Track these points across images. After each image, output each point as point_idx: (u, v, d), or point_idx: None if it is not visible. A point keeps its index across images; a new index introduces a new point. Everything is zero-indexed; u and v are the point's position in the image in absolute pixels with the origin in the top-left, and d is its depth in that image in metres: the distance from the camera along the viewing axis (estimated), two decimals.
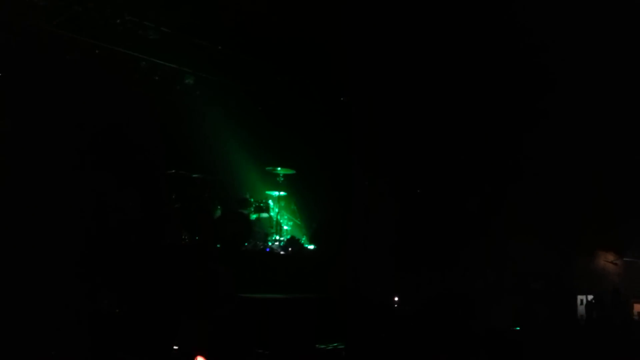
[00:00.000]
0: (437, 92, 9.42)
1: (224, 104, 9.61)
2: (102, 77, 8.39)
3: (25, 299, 5.47)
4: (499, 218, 9.49)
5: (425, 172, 9.97)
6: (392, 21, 8.43)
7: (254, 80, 9.69)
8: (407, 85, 9.44)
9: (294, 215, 10.00)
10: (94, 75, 8.31)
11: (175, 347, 5.65)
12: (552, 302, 8.65)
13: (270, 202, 9.59)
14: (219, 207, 8.89)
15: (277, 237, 9.12)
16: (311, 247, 9.43)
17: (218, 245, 8.26)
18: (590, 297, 7.75)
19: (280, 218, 9.45)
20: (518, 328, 7.91)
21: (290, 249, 8.94)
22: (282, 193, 9.50)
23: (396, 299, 10.38)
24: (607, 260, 10.00)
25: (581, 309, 8.22)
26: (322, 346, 6.23)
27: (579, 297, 8.55)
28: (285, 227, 9.61)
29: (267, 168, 9.42)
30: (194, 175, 9.09)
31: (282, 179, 9.38)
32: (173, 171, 8.91)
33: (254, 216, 9.12)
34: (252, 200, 9.31)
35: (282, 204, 9.64)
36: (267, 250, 8.78)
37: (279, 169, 9.29)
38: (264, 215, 9.29)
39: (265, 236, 9.09)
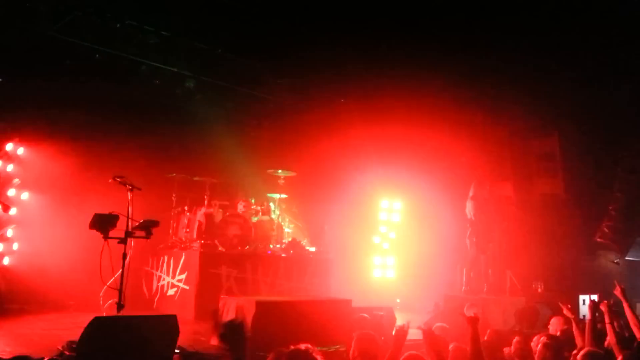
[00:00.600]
0: (438, 91, 9.41)
1: (224, 107, 9.63)
2: (102, 81, 8.43)
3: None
4: (501, 220, 9.49)
5: (429, 174, 9.96)
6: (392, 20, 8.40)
7: (254, 83, 9.70)
8: (408, 85, 9.43)
9: (295, 218, 10.00)
10: (94, 79, 8.35)
11: (177, 351, 5.65)
12: (553, 302, 8.61)
13: (272, 204, 9.59)
14: (220, 210, 8.90)
15: (279, 240, 9.13)
16: (312, 249, 9.43)
17: (220, 248, 8.28)
18: (594, 296, 7.71)
19: (282, 220, 9.45)
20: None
21: (291, 251, 8.94)
22: (283, 195, 9.49)
23: (398, 300, 10.40)
24: (609, 260, 9.98)
25: (583, 308, 8.18)
26: (324, 348, 6.22)
27: (581, 297, 8.51)
28: (286, 230, 9.60)
29: (268, 170, 9.42)
30: (195, 178, 9.11)
31: (283, 181, 9.38)
32: (174, 174, 8.95)
33: (255, 219, 9.13)
34: (253, 202, 9.31)
35: (284, 206, 9.64)
36: (269, 252, 8.78)
37: (280, 171, 9.29)
38: (265, 217, 9.29)
39: (267, 239, 9.09)
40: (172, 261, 8.30)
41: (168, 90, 9.19)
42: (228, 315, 6.02)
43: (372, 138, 10.02)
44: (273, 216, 9.38)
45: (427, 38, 8.18)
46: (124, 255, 5.30)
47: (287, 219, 9.70)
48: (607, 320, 4.76)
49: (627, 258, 9.92)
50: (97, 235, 5.30)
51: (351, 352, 4.09)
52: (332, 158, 9.94)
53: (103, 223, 5.26)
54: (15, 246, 7.74)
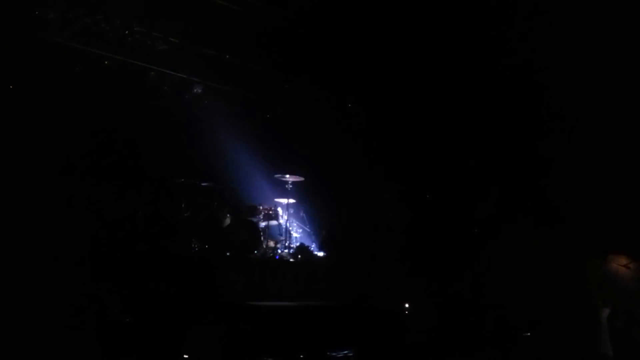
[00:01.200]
0: (445, 96, 9.40)
1: (233, 113, 9.66)
2: (112, 88, 8.49)
3: (37, 309, 5.52)
4: (511, 223, 9.43)
5: (434, 177, 9.94)
6: (401, 25, 8.44)
7: (262, 88, 9.73)
8: (415, 90, 9.44)
9: (303, 223, 10.01)
10: (104, 86, 8.41)
11: (185, 356, 5.67)
12: (564, 307, 8.56)
13: (279, 209, 9.60)
14: (228, 215, 8.92)
15: (287, 245, 9.13)
16: (321, 254, 9.42)
17: (227, 254, 8.29)
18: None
19: (290, 225, 9.46)
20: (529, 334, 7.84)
21: (299, 256, 8.94)
22: (291, 200, 9.50)
23: (406, 305, 10.35)
24: (619, 264, 9.87)
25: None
26: (333, 354, 6.21)
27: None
28: (294, 235, 9.61)
29: (276, 175, 9.44)
30: (203, 184, 9.14)
31: (291, 186, 9.40)
32: (182, 180, 8.98)
33: (263, 224, 9.14)
34: (261, 208, 9.33)
35: (291, 211, 9.65)
36: (277, 257, 8.79)
37: (287, 176, 9.30)
38: (273, 222, 9.30)
39: (275, 244, 9.11)
40: None
41: (176, 96, 9.24)
42: None
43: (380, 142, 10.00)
44: (281, 221, 9.39)
45: None
46: None
47: (295, 224, 9.71)
48: None
49: None
50: None
51: None
52: (340, 163, 9.93)
53: None
54: None
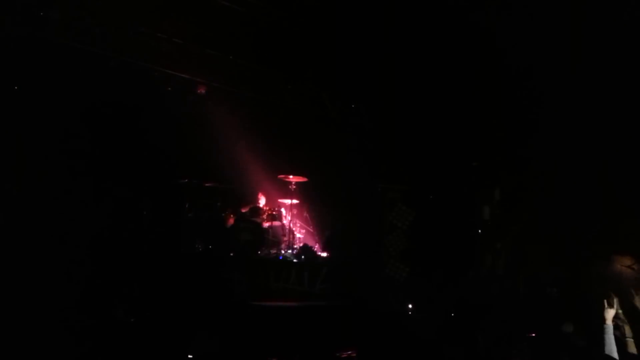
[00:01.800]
0: (448, 96, 9.41)
1: (236, 114, 9.68)
2: (116, 88, 8.51)
3: (42, 308, 5.54)
4: (514, 223, 9.43)
5: (438, 178, 9.94)
6: (405, 25, 8.45)
7: (265, 89, 9.74)
8: (418, 90, 9.44)
9: (306, 223, 10.02)
10: (108, 87, 8.43)
11: (189, 356, 5.68)
12: (567, 308, 8.55)
13: (283, 210, 9.62)
14: (231, 215, 8.94)
15: (290, 245, 9.15)
16: (324, 254, 9.43)
17: (231, 254, 8.31)
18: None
19: (293, 226, 9.48)
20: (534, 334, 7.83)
21: (303, 256, 8.95)
22: (294, 201, 9.52)
23: (410, 306, 10.36)
24: (623, 265, 9.85)
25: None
26: (336, 354, 6.22)
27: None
28: (298, 235, 9.62)
29: (280, 176, 9.46)
30: (207, 184, 9.16)
31: (294, 187, 9.42)
32: (186, 180, 9.00)
33: (266, 224, 9.15)
34: (264, 208, 9.35)
35: (295, 211, 9.66)
36: (280, 258, 8.80)
37: (291, 176, 9.32)
38: (277, 223, 9.32)
39: (278, 244, 9.12)
40: None
41: (180, 96, 9.26)
42: None
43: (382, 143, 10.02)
44: (284, 221, 9.41)
45: None
46: None
47: (298, 224, 9.72)
48: None
49: None
50: None
51: None
52: (344, 163, 9.94)
53: None
54: None
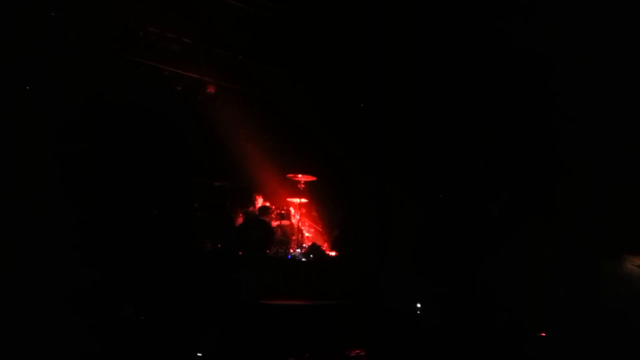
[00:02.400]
0: (456, 95, 9.38)
1: (245, 113, 9.71)
2: (125, 88, 8.56)
3: (52, 306, 5.59)
4: (523, 222, 9.38)
5: (446, 177, 9.91)
6: (413, 25, 8.45)
7: (274, 88, 9.76)
8: (427, 89, 9.43)
9: (315, 222, 10.03)
10: (117, 86, 8.48)
11: (198, 355, 5.72)
12: (577, 307, 8.51)
13: (292, 209, 9.63)
14: (240, 214, 8.97)
15: (299, 244, 9.17)
16: (333, 253, 9.44)
17: (240, 253, 8.34)
18: None
19: (302, 225, 9.49)
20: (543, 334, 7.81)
21: (312, 255, 8.97)
22: (303, 200, 9.53)
23: (418, 305, 10.35)
24: (634, 264, 9.78)
25: None
26: (345, 353, 6.23)
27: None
28: (306, 234, 9.64)
29: (288, 175, 9.48)
30: (216, 184, 9.20)
31: (303, 185, 9.43)
32: (195, 179, 9.04)
33: (275, 223, 9.17)
34: (273, 207, 9.37)
35: (304, 210, 9.68)
36: (289, 257, 8.82)
37: (299, 175, 9.34)
38: (286, 222, 9.34)
39: (287, 243, 9.14)
40: None
41: (189, 96, 9.30)
42: None
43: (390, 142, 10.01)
44: (293, 221, 9.42)
45: None
46: None
47: (307, 224, 9.74)
48: None
49: None
50: None
51: None
52: (352, 162, 9.94)
53: None
54: None
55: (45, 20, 7.58)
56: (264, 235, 8.66)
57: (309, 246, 9.20)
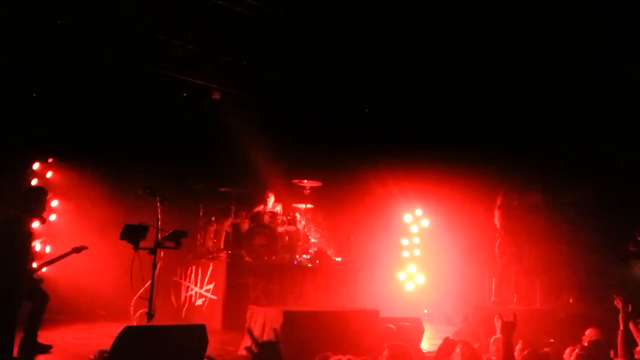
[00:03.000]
0: (461, 100, 9.38)
1: (251, 119, 9.73)
2: (132, 95, 8.61)
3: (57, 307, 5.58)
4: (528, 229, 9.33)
5: (452, 184, 9.90)
6: (418, 31, 8.46)
7: (279, 94, 9.78)
8: (431, 94, 9.44)
9: (321, 228, 10.01)
10: (124, 93, 8.54)
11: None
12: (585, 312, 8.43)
13: (297, 214, 9.62)
14: (246, 220, 8.96)
15: (305, 250, 9.15)
16: (339, 259, 9.42)
17: (246, 259, 8.33)
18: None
19: (308, 230, 9.47)
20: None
21: (317, 261, 8.94)
22: (309, 205, 9.52)
23: (425, 311, 10.30)
24: None
25: None
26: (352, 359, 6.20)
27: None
28: (312, 240, 9.61)
29: (294, 181, 9.47)
30: (221, 189, 9.21)
31: (308, 191, 9.42)
32: (201, 185, 9.06)
33: (281, 229, 9.16)
34: (279, 213, 9.35)
35: (310, 216, 9.66)
36: (295, 262, 8.80)
37: (305, 181, 9.33)
38: (292, 228, 9.32)
39: (293, 249, 9.11)
40: (200, 271, 8.38)
41: (195, 102, 9.33)
42: (256, 326, 6.03)
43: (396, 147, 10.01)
44: (299, 226, 9.41)
45: None
46: (154, 266, 5.37)
47: (312, 229, 9.72)
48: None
49: None
50: (127, 245, 5.37)
51: None
52: (358, 168, 9.94)
53: (133, 234, 5.34)
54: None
55: (51, 28, 7.64)
56: (270, 241, 8.64)
57: (315, 252, 9.17)
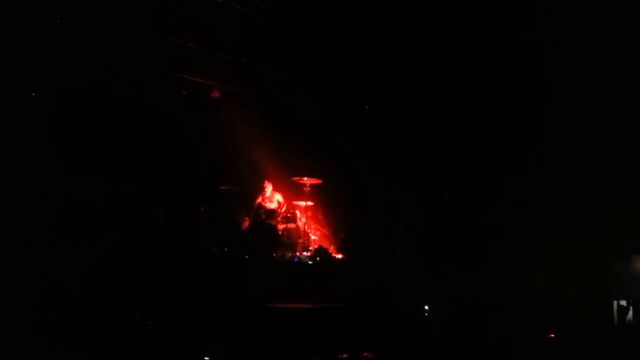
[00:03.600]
0: (463, 97, 9.37)
1: (250, 116, 9.73)
2: (131, 93, 8.61)
3: (59, 310, 5.61)
4: (532, 223, 9.35)
5: (451, 179, 9.89)
6: (417, 28, 8.46)
7: (279, 91, 9.78)
8: (433, 91, 9.43)
9: (321, 225, 10.03)
10: (123, 92, 8.53)
11: (206, 358, 5.72)
12: (587, 308, 8.46)
13: (298, 212, 9.64)
14: (246, 218, 8.98)
15: (305, 247, 9.16)
16: (339, 256, 9.43)
17: (247, 257, 8.35)
18: (623, 301, 7.58)
19: (308, 228, 9.49)
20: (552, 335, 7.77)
21: (318, 258, 8.96)
22: (309, 203, 9.53)
23: (426, 307, 10.31)
24: None
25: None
26: (351, 356, 6.22)
27: (615, 303, 8.35)
28: (313, 237, 9.64)
29: (294, 178, 9.48)
30: (222, 187, 9.22)
31: (309, 188, 9.43)
32: (201, 184, 9.07)
33: (281, 227, 9.18)
34: (279, 210, 9.38)
35: (310, 213, 9.68)
36: (295, 260, 8.82)
37: (305, 178, 9.34)
38: (292, 225, 9.34)
39: (294, 246, 9.14)
40: None
41: (194, 100, 9.33)
42: None
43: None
44: (299, 223, 9.43)
45: None
46: None
47: (313, 226, 9.74)
48: None
49: None
50: None
51: None
52: (357, 165, 9.94)
53: None
54: None
55: (50, 27, 7.64)
56: (270, 239, 8.66)
57: (315, 249, 9.20)
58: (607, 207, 8.82)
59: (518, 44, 8.34)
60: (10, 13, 7.11)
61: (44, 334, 5.34)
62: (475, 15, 8.01)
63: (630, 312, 8.18)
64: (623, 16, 7.56)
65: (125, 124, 8.59)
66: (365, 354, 6.18)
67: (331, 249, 9.58)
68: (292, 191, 9.92)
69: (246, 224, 8.94)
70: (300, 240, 9.26)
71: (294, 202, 9.85)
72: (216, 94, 9.48)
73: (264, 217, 9.14)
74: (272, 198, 9.58)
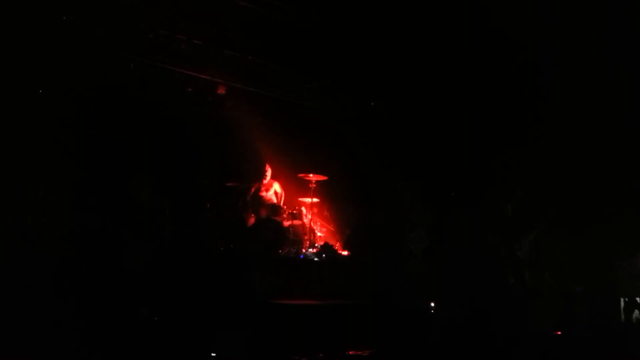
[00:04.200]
0: (470, 94, 9.33)
1: (256, 113, 9.72)
2: (137, 90, 8.61)
3: (66, 307, 5.63)
4: (538, 220, 9.31)
5: (459, 175, 9.86)
6: (424, 24, 8.42)
7: (284, 88, 9.76)
8: (439, 88, 9.39)
9: (327, 222, 10.02)
10: (129, 89, 8.53)
11: (213, 355, 5.73)
12: (594, 305, 8.43)
13: (303, 209, 9.63)
14: (252, 215, 8.99)
15: (311, 244, 9.16)
16: (345, 253, 9.43)
17: (253, 253, 8.35)
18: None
19: (314, 224, 9.49)
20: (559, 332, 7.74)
21: (324, 255, 8.95)
22: (314, 200, 9.53)
23: (432, 304, 10.29)
24: None
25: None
26: (357, 352, 6.22)
27: (622, 300, 8.31)
28: (318, 234, 9.63)
29: (300, 175, 9.47)
30: (227, 184, 9.22)
31: (314, 185, 9.42)
32: (207, 181, 9.07)
33: (287, 223, 9.18)
34: (285, 207, 9.37)
35: (315, 210, 9.67)
36: (301, 257, 8.82)
37: (311, 175, 9.33)
38: (298, 222, 9.34)
39: (299, 243, 9.14)
40: None
41: (200, 97, 9.33)
42: None
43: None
44: (305, 220, 9.42)
45: None
46: None
47: (319, 223, 9.73)
48: None
49: None
50: None
51: None
52: (363, 161, 9.92)
53: None
54: None
55: (56, 25, 7.64)
56: (276, 236, 8.67)
57: (321, 246, 9.19)
58: (614, 204, 8.76)
59: (526, 43, 8.30)
60: (16, 10, 7.12)
61: (52, 329, 5.36)
62: (483, 12, 7.97)
63: (637, 310, 8.15)
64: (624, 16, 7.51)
65: (130, 121, 8.60)
66: (371, 350, 6.17)
67: (337, 245, 9.57)
68: (298, 188, 9.91)
69: (252, 220, 8.94)
70: (306, 237, 9.26)
71: (300, 199, 9.85)
72: (222, 91, 9.46)
73: (269, 214, 9.14)
74: (270, 187, 9.55)
